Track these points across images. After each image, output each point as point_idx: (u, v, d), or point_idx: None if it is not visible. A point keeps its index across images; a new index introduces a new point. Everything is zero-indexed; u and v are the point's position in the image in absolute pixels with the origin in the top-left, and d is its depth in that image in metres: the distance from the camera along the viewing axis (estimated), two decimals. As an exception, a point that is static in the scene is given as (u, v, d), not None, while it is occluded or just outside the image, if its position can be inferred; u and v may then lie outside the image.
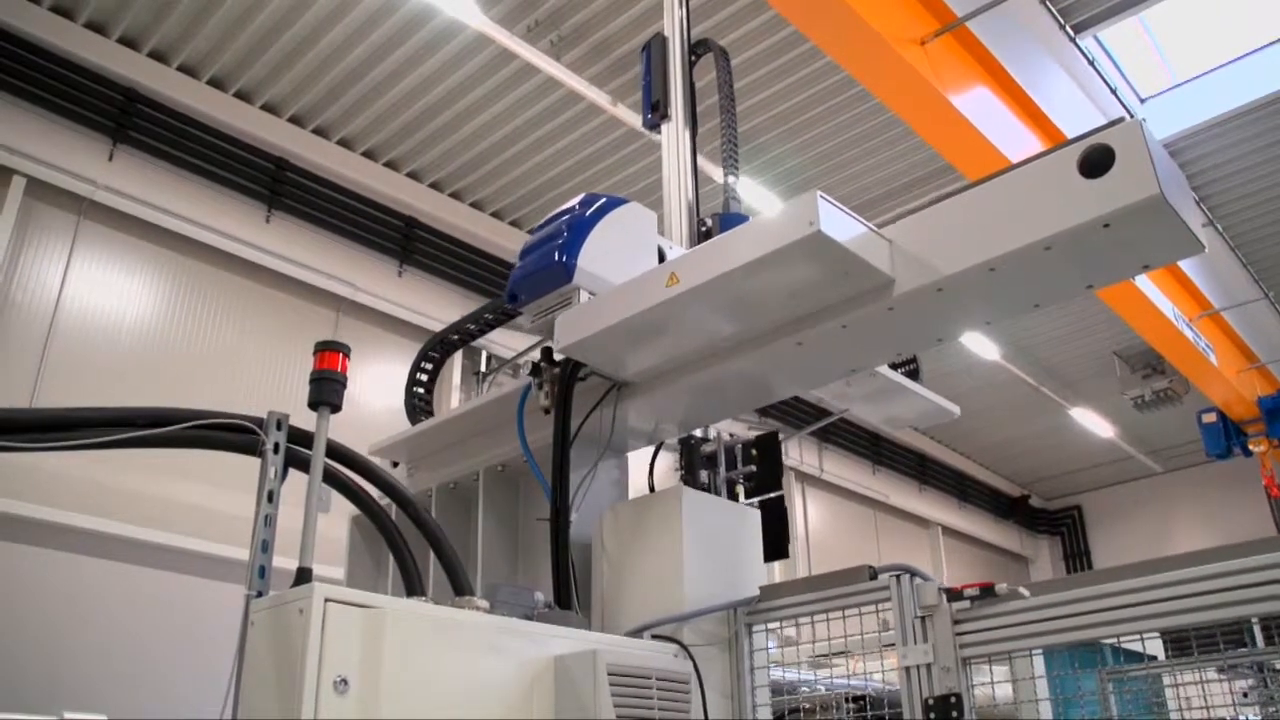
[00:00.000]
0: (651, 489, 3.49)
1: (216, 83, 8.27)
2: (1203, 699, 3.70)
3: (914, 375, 3.71)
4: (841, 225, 2.52)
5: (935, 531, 15.62)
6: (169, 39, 7.82)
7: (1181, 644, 3.03)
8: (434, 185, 9.61)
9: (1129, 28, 8.52)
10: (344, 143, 9.04)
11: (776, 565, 3.46)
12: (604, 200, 3.39)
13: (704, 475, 3.51)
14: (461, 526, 3.75)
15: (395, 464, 4.16)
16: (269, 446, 2.55)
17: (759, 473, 3.45)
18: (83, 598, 6.09)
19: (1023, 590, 2.45)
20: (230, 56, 8.00)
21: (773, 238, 2.54)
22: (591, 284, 3.17)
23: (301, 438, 2.63)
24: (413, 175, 9.48)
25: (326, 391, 2.51)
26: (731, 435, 3.61)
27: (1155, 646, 3.96)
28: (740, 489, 3.55)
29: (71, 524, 6.35)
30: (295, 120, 8.74)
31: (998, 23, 6.85)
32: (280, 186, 8.63)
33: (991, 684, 2.49)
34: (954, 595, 2.52)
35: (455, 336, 4.89)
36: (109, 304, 7.46)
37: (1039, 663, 3.03)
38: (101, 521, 6.50)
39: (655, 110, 4.37)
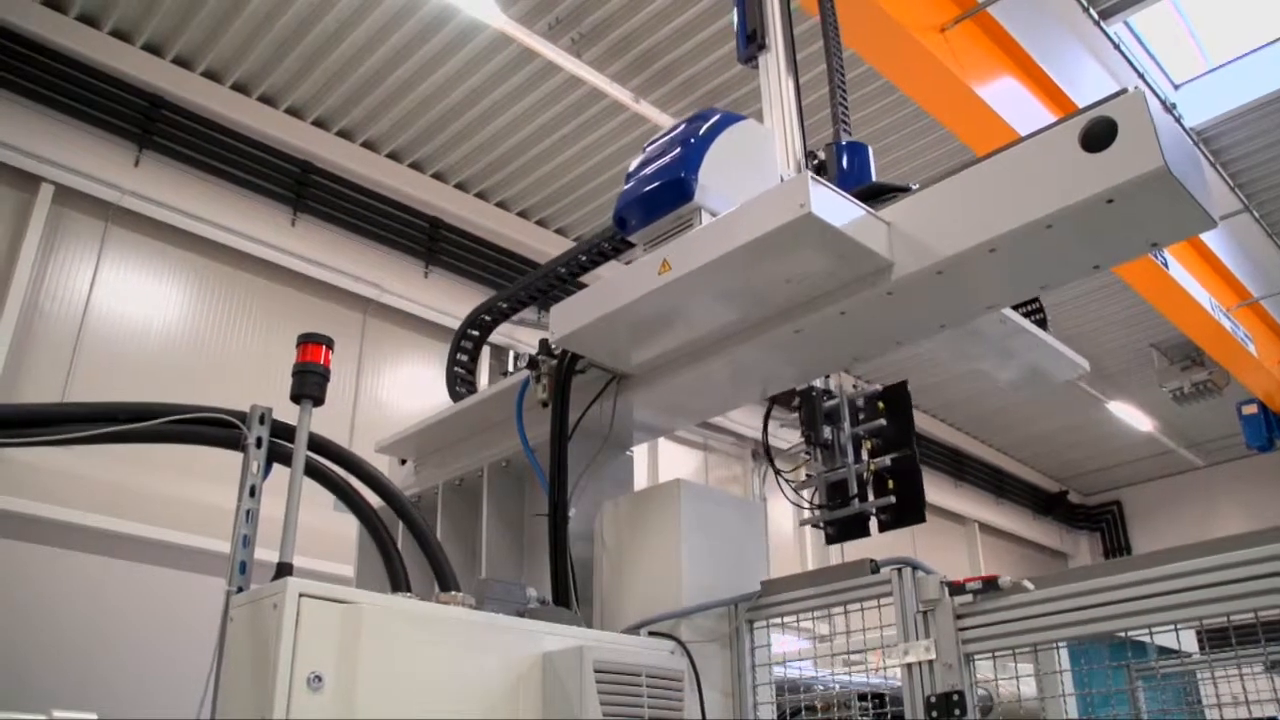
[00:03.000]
0: (769, 457, 3.37)
1: (240, 87, 8.32)
2: (1238, 696, 3.56)
3: (1041, 325, 3.33)
4: (834, 207, 2.45)
5: (972, 528, 15.38)
6: (193, 45, 7.87)
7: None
8: (459, 186, 9.60)
9: (1161, 11, 8.32)
10: (368, 145, 9.06)
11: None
12: (720, 114, 3.05)
13: (827, 432, 3.21)
14: (468, 523, 3.72)
15: (404, 461, 4.12)
16: (251, 441, 2.53)
17: (888, 429, 3.13)
18: (90, 597, 6.13)
19: (1027, 583, 2.36)
20: (253, 61, 8.03)
21: (763, 221, 2.47)
22: (714, 203, 2.84)
23: (287, 432, 2.60)
24: (438, 176, 9.47)
25: (309, 384, 2.48)
26: (856, 387, 3.32)
27: (1188, 640, 3.83)
28: (866, 446, 3.25)
29: (82, 523, 6.40)
30: (319, 123, 8.77)
31: (1021, 8, 6.70)
32: (305, 189, 8.66)
33: (995, 680, 2.40)
34: (956, 589, 2.43)
35: (488, 318, 4.70)
36: (137, 309, 7.52)
37: (1062, 657, 2.94)
38: (113, 520, 6.54)
39: (751, 40, 3.92)
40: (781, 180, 3.05)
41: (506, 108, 8.60)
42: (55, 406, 2.60)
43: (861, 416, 3.22)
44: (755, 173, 3.01)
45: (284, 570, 2.24)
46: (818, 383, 3.28)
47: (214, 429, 2.60)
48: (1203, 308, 8.46)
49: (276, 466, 2.64)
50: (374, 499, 3.05)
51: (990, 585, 2.38)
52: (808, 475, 3.28)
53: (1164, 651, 3.41)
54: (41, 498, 6.38)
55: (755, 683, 2.80)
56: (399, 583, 2.61)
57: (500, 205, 9.91)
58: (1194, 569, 2.14)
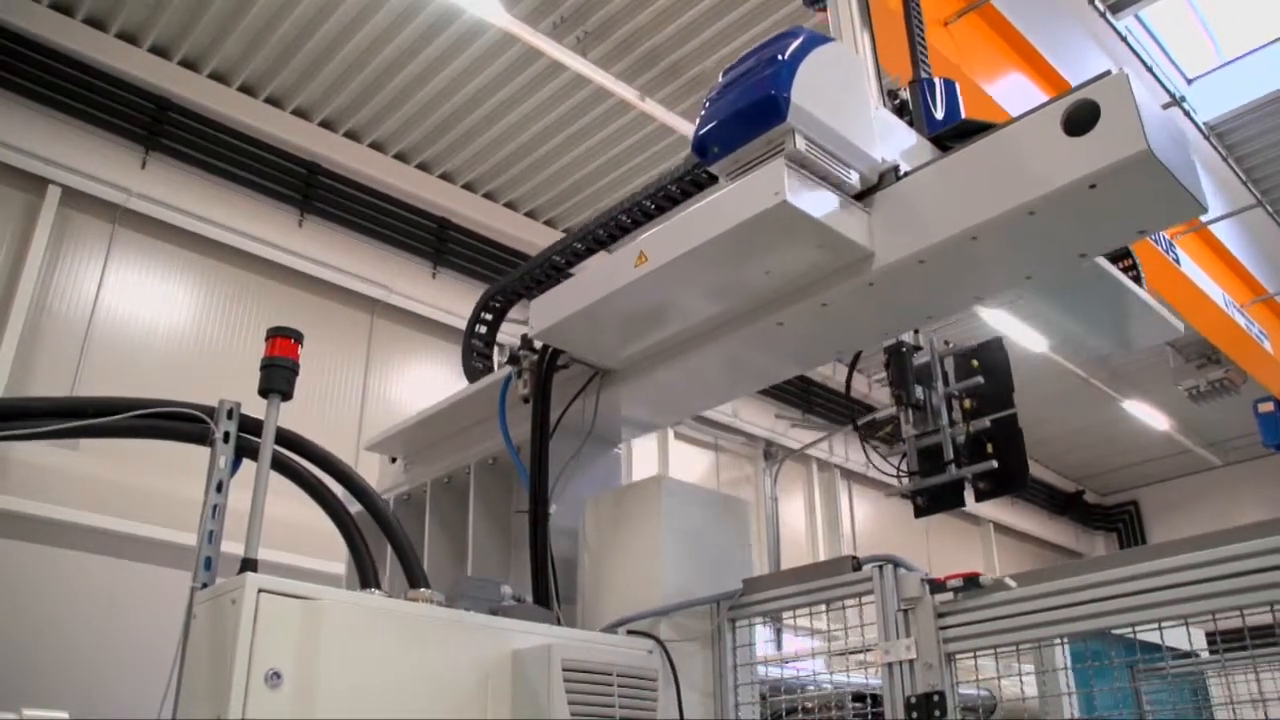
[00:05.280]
0: (855, 423, 3.19)
1: (247, 89, 8.33)
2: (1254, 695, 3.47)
3: (1136, 280, 2.95)
4: (811, 195, 2.39)
5: (987, 529, 15.25)
6: (199, 47, 7.88)
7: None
8: (467, 186, 9.58)
9: (1174, 4, 8.20)
10: (376, 146, 9.05)
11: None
12: (808, 32, 2.75)
13: (919, 392, 2.96)
14: (456, 520, 3.67)
15: (393, 459, 4.09)
16: (219, 436, 2.50)
17: (986, 387, 2.89)
18: (95, 597, 6.14)
19: (1009, 580, 2.29)
20: (260, 62, 8.04)
21: (738, 210, 2.41)
22: (807, 125, 2.52)
23: (258, 427, 2.56)
24: (445, 176, 9.46)
25: (276, 378, 2.44)
26: (948, 343, 3.08)
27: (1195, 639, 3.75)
28: (960, 407, 2.99)
29: (87, 524, 6.42)
30: (326, 124, 8.77)
31: (1028, 2, 6.60)
32: (312, 190, 8.66)
33: (975, 677, 2.33)
34: (937, 586, 2.37)
35: (499, 300, 4.43)
36: (144, 310, 7.53)
37: (1060, 655, 2.88)
38: (118, 521, 6.56)
39: None
40: (874, 115, 2.81)
41: (513, 107, 8.57)
42: (21, 401, 2.57)
43: (951, 376, 3.00)
44: (846, 100, 2.71)
45: (248, 566, 2.21)
46: (906, 337, 3.04)
47: (181, 424, 2.58)
48: (1216, 304, 8.31)
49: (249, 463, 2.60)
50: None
51: (971, 583, 2.32)
52: (893, 441, 3.08)
53: (1165, 649, 3.34)
54: (46, 498, 6.39)
55: (736, 682, 2.74)
56: (367, 579, 2.57)
57: (508, 205, 9.89)
58: (1179, 565, 2.07)
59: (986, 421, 2.88)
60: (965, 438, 2.91)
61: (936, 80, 3.19)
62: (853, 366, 3.32)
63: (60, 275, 7.22)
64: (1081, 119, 2.22)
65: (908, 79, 6.01)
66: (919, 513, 3.00)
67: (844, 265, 2.57)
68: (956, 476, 2.88)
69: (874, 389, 12.39)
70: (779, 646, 6.15)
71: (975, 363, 2.96)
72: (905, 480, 3.00)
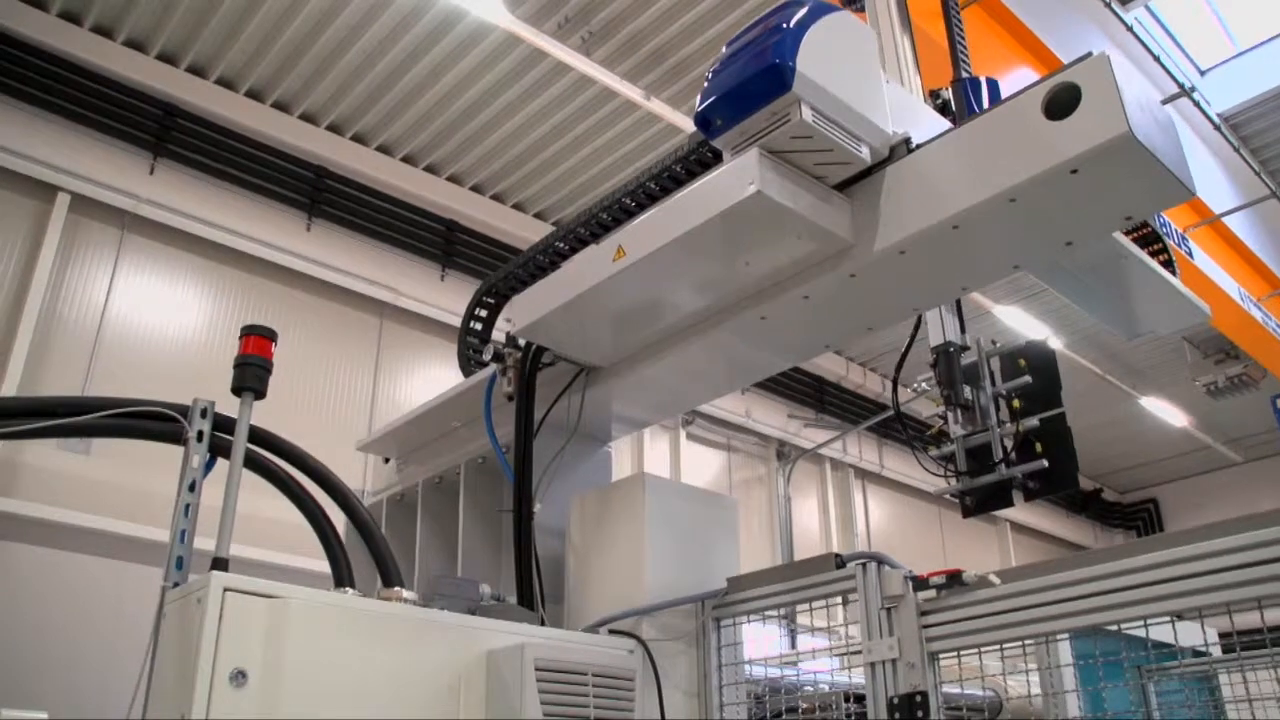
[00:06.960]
0: (900, 418, 3.17)
1: (254, 94, 8.36)
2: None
3: (1167, 265, 2.86)
4: (786, 186, 2.34)
5: (1003, 528, 15.12)
6: (206, 53, 7.92)
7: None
8: (474, 188, 9.59)
9: (1185, -5, 8.11)
10: (383, 149, 9.07)
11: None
12: (815, 0, 2.61)
13: (968, 392, 2.93)
14: (448, 520, 3.65)
15: (387, 459, 4.07)
16: (191, 435, 2.48)
17: (1034, 386, 2.91)
18: (103, 601, 6.14)
19: (993, 578, 2.24)
20: (266, 67, 8.06)
21: (713, 202, 2.37)
22: (814, 96, 2.39)
23: (232, 426, 2.54)
24: (453, 179, 9.46)
25: (249, 377, 2.42)
26: (994, 343, 3.08)
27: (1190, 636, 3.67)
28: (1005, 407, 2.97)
29: (98, 528, 6.44)
30: (333, 128, 8.79)
31: (1035, -6, 6.53)
32: (320, 194, 8.70)
33: (959, 676, 2.28)
34: (920, 584, 2.32)
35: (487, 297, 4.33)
36: (154, 315, 7.57)
37: (1047, 652, 2.83)
38: (125, 525, 6.56)
39: None
40: (885, 87, 2.66)
41: (519, 109, 8.57)
42: (-8, 401, 2.56)
43: (998, 376, 3.00)
44: (854, 70, 2.56)
45: (218, 565, 2.19)
46: (953, 336, 3.01)
47: (155, 423, 2.56)
48: (1231, 298, 8.19)
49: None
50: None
51: (955, 580, 2.27)
52: (942, 442, 3.06)
53: (1160, 646, 3.27)
54: (55, 502, 6.42)
55: (721, 683, 2.69)
56: (341, 578, 2.55)
57: (516, 206, 9.89)
58: (1167, 560, 2.01)
59: (1035, 420, 2.88)
60: (1015, 437, 2.90)
61: (981, 79, 3.12)
62: (897, 375, 3.24)
63: (70, 281, 7.26)
64: (1062, 102, 2.17)
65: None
66: (966, 513, 2.99)
67: (824, 257, 2.52)
68: (1007, 476, 2.88)
69: (886, 388, 12.31)
70: (793, 645, 6.07)
71: (1022, 362, 2.96)
72: (954, 480, 2.99)
